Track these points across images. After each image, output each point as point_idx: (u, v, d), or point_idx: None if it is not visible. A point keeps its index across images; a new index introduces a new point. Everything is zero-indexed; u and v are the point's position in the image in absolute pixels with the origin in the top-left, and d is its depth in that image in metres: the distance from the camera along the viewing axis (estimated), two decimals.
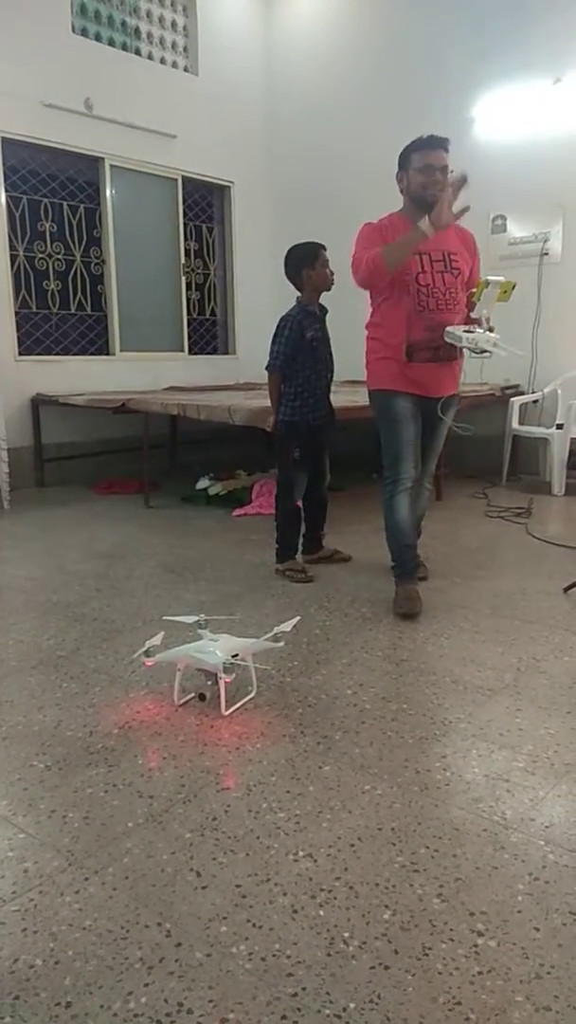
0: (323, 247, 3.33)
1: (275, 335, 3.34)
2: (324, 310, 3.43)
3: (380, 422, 3.08)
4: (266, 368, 3.41)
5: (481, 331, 2.78)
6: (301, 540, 3.59)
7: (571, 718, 2.14)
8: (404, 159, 2.89)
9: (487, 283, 2.75)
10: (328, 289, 3.35)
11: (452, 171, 2.82)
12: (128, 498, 5.41)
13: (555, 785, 1.81)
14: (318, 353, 3.37)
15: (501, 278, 2.77)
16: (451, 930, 1.37)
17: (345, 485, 5.00)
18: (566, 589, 3.20)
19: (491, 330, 2.80)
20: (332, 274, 3.33)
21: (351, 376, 5.53)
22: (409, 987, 1.25)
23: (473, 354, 2.84)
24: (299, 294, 3.38)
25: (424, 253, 2.85)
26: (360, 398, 4.79)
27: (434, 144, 2.83)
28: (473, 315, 2.85)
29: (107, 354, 6.35)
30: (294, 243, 3.38)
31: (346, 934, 1.36)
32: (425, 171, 2.81)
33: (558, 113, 5.48)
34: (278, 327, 3.34)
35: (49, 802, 1.77)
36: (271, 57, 7.20)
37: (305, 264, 3.29)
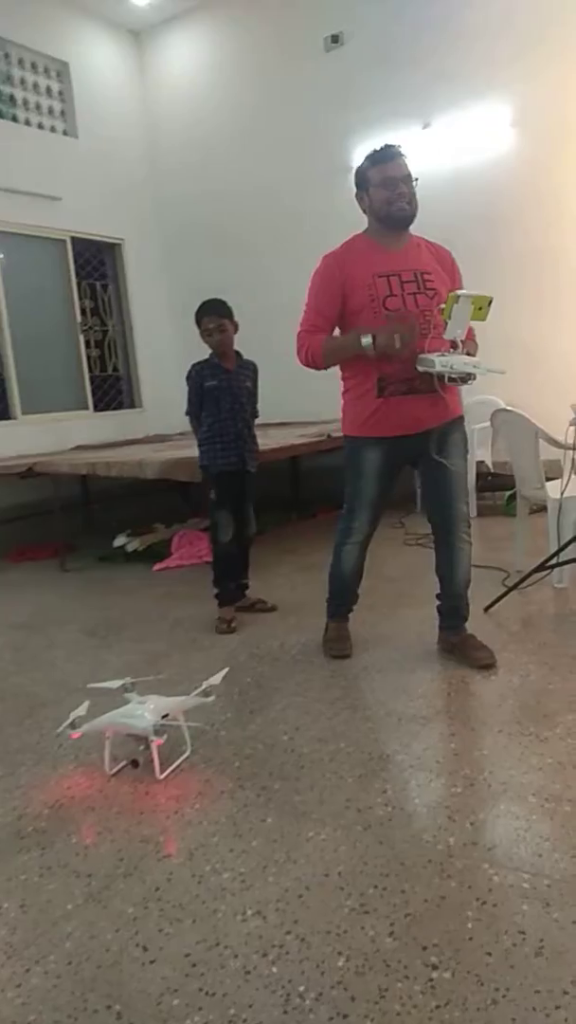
0: (206, 312, 3.35)
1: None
2: (245, 364, 3.50)
3: (346, 467, 2.81)
4: (184, 414, 3.59)
5: (455, 354, 2.45)
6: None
7: (502, 736, 2.19)
8: (361, 178, 2.61)
9: (457, 298, 2.37)
10: (222, 350, 3.40)
11: (416, 179, 2.58)
12: (43, 564, 5.26)
13: (493, 806, 1.85)
14: (222, 403, 3.42)
15: (474, 292, 2.40)
16: (405, 967, 1.36)
17: (267, 527, 5.02)
18: (486, 608, 3.28)
19: (469, 353, 2.50)
20: (221, 336, 3.35)
21: (280, 418, 5.60)
22: None
23: (452, 381, 2.48)
24: None
25: (393, 274, 2.55)
26: (271, 440, 4.88)
27: (389, 155, 2.55)
28: (446, 336, 2.44)
29: (8, 418, 6.22)
30: (192, 292, 3.51)
31: (301, 988, 1.34)
32: (386, 185, 2.54)
33: (431, 155, 5.79)
34: (186, 376, 3.50)
35: None
36: (149, 114, 7.36)
37: (198, 326, 3.41)
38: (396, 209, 2.56)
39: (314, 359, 2.65)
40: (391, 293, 2.54)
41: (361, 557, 2.91)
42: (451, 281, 2.65)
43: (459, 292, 2.39)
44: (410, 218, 2.61)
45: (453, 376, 2.44)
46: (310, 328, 2.66)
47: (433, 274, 2.59)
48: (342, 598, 3.01)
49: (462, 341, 2.48)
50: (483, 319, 2.43)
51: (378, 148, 2.59)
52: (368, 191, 2.60)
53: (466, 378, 2.46)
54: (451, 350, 2.45)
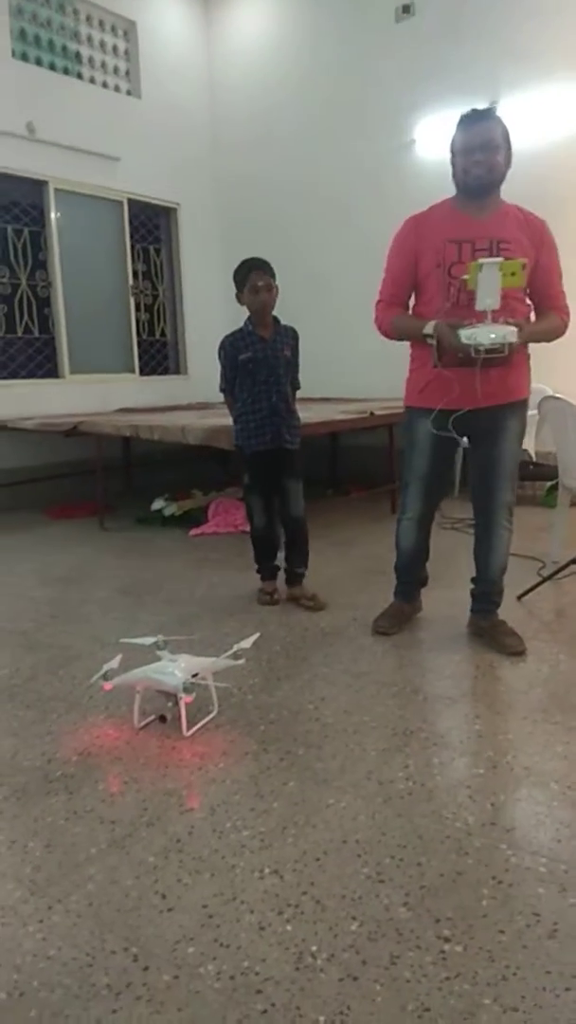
0: (255, 267, 3.09)
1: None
2: (282, 331, 3.21)
3: (403, 440, 2.83)
4: (219, 390, 3.41)
5: (480, 327, 2.33)
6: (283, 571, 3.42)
7: (527, 722, 2.18)
8: (451, 143, 2.55)
9: (480, 266, 2.28)
10: (264, 313, 3.14)
11: (500, 147, 2.47)
12: (83, 521, 5.35)
13: (515, 789, 1.85)
14: (257, 376, 3.16)
15: (500, 259, 2.32)
16: (418, 938, 1.38)
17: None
18: (519, 596, 3.26)
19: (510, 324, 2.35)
20: (267, 296, 3.10)
21: (321, 393, 5.54)
22: (378, 997, 1.25)
23: (485, 352, 2.35)
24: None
25: (467, 240, 2.48)
26: (313, 414, 4.87)
27: (474, 119, 2.48)
28: (477, 307, 2.34)
29: (56, 376, 6.30)
30: (254, 252, 3.21)
31: (314, 948, 1.36)
32: (465, 151, 2.48)
33: None
34: (218, 349, 3.30)
35: (9, 832, 1.73)
36: (213, 80, 7.30)
37: (238, 287, 3.16)
38: (472, 178, 2.50)
39: (387, 334, 2.66)
40: (459, 260, 2.47)
41: (419, 536, 2.89)
42: (535, 252, 2.52)
43: (482, 260, 2.30)
44: (488, 186, 2.52)
45: (479, 348, 2.33)
46: (386, 299, 2.66)
47: (512, 243, 2.48)
48: (402, 576, 3.01)
49: (492, 313, 2.34)
50: (520, 284, 2.36)
51: (468, 111, 2.52)
52: (453, 157, 2.55)
53: (493, 351, 2.34)
54: (481, 322, 2.35)
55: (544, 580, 3.28)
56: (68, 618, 3.26)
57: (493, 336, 2.29)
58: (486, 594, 2.84)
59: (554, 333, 2.59)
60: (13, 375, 6.03)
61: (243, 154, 7.16)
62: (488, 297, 2.30)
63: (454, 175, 2.56)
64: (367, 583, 3.57)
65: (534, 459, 5.47)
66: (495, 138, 2.47)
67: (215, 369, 3.35)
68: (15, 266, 5.99)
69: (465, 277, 2.35)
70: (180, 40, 7.06)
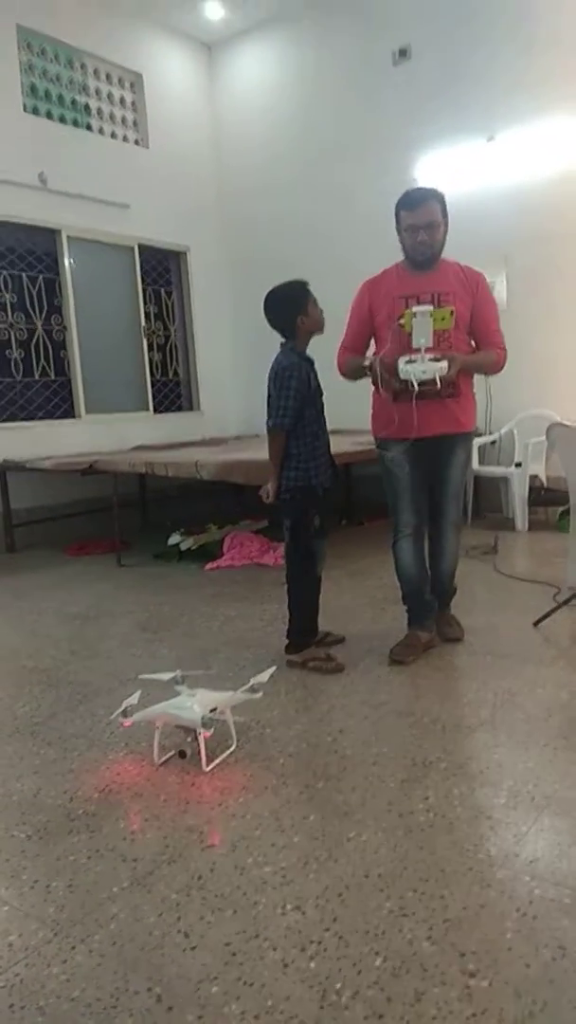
0: (308, 284, 2.94)
1: (280, 388, 2.84)
2: (310, 358, 3.00)
3: (380, 470, 3.06)
4: (272, 427, 2.88)
5: (414, 363, 2.68)
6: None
7: (548, 750, 2.17)
8: (396, 214, 2.86)
9: (414, 314, 2.67)
10: (322, 331, 2.95)
11: (439, 223, 2.80)
12: (100, 558, 5.40)
13: (536, 819, 1.83)
14: (318, 404, 2.95)
15: (429, 307, 2.69)
16: (442, 973, 1.37)
17: None
18: (536, 623, 3.25)
19: (438, 359, 2.68)
20: (323, 312, 2.95)
21: (333, 424, 5.61)
22: None
23: (419, 385, 2.69)
24: (283, 340, 2.95)
25: (412, 295, 2.82)
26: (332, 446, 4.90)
27: (417, 200, 2.81)
28: (413, 346, 2.70)
29: (73, 417, 6.40)
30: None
31: (338, 985, 1.35)
32: (409, 232, 2.82)
33: (494, 168, 5.77)
34: (281, 379, 2.84)
35: (32, 872, 1.74)
36: (218, 126, 7.49)
37: (297, 310, 2.87)
38: (417, 254, 2.85)
39: (343, 373, 3.04)
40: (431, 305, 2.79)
41: (417, 553, 3.04)
42: (471, 300, 2.88)
43: (415, 308, 2.70)
44: (431, 260, 2.86)
45: (413, 381, 2.69)
46: (346, 346, 3.05)
47: (451, 294, 2.83)
48: (411, 601, 3.10)
49: (425, 348, 2.70)
50: (449, 327, 2.75)
51: (410, 190, 2.88)
52: (399, 229, 2.88)
53: (425, 381, 2.68)
54: (417, 357, 2.70)
55: (560, 606, 3.26)
56: (87, 654, 3.28)
57: (423, 372, 2.67)
58: (443, 592, 3.21)
59: (493, 366, 2.97)
60: (31, 416, 6.14)
61: (248, 197, 7.33)
62: (422, 337, 2.68)
63: (402, 244, 2.89)
64: (382, 612, 3.57)
65: (545, 484, 5.48)
66: (436, 218, 2.82)
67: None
68: (31, 312, 6.14)
69: (401, 322, 2.73)
70: (185, 90, 7.28)
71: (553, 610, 3.26)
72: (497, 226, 5.76)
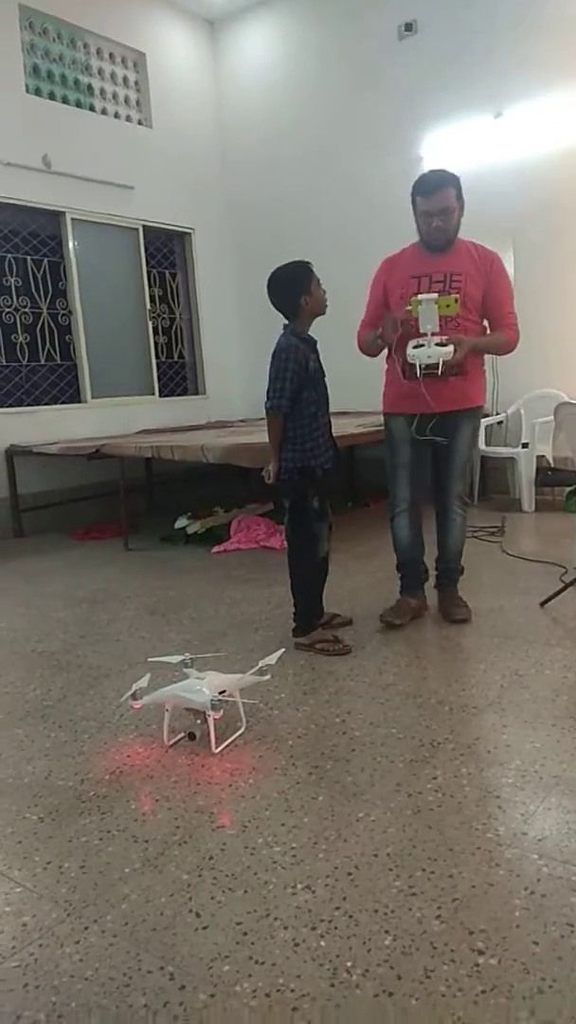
0: (311, 265, 2.91)
1: (277, 370, 2.82)
2: (314, 339, 2.97)
3: (384, 443, 3.20)
4: (269, 408, 2.86)
5: (423, 347, 2.80)
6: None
7: (555, 731, 2.17)
8: (412, 199, 2.92)
9: (420, 302, 2.75)
10: (324, 312, 2.94)
11: (454, 208, 2.86)
12: (107, 542, 5.41)
13: (544, 798, 1.84)
14: (319, 386, 2.92)
15: (434, 295, 2.77)
16: (452, 951, 1.38)
17: None
18: (542, 603, 3.25)
19: (443, 344, 2.78)
20: (325, 292, 2.93)
21: (338, 407, 5.63)
22: (414, 1012, 1.26)
23: (424, 368, 2.83)
24: (286, 322, 2.91)
25: (425, 275, 2.92)
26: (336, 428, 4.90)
27: (432, 187, 2.85)
28: (420, 331, 2.79)
29: (79, 402, 6.39)
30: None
31: (348, 963, 1.37)
32: (425, 216, 2.89)
33: (501, 145, 5.69)
34: (278, 361, 2.82)
35: (44, 854, 1.76)
36: (223, 104, 7.40)
37: (302, 290, 2.84)
38: (432, 239, 2.93)
39: (361, 348, 3.12)
40: (418, 291, 2.88)
41: (413, 527, 3.18)
42: (485, 282, 2.94)
43: (421, 296, 2.77)
44: (446, 244, 2.93)
45: (422, 364, 2.81)
46: (365, 322, 3.11)
47: (464, 275, 2.90)
48: (405, 570, 3.26)
49: (432, 333, 2.79)
50: (454, 313, 2.82)
51: (426, 174, 2.92)
52: (414, 213, 2.94)
53: (431, 364, 2.80)
54: (425, 341, 2.80)
55: (567, 586, 3.26)
56: (96, 638, 3.30)
57: (429, 356, 2.79)
58: (446, 571, 3.26)
59: (505, 346, 3.02)
60: (37, 401, 6.13)
61: (253, 176, 7.26)
62: (428, 323, 2.77)
63: (417, 228, 2.96)
64: (389, 594, 3.56)
65: (552, 465, 5.45)
66: (451, 204, 2.87)
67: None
68: (36, 295, 6.11)
69: (408, 308, 2.82)
70: (188, 68, 7.19)
71: (560, 591, 3.26)
72: (504, 203, 5.69)
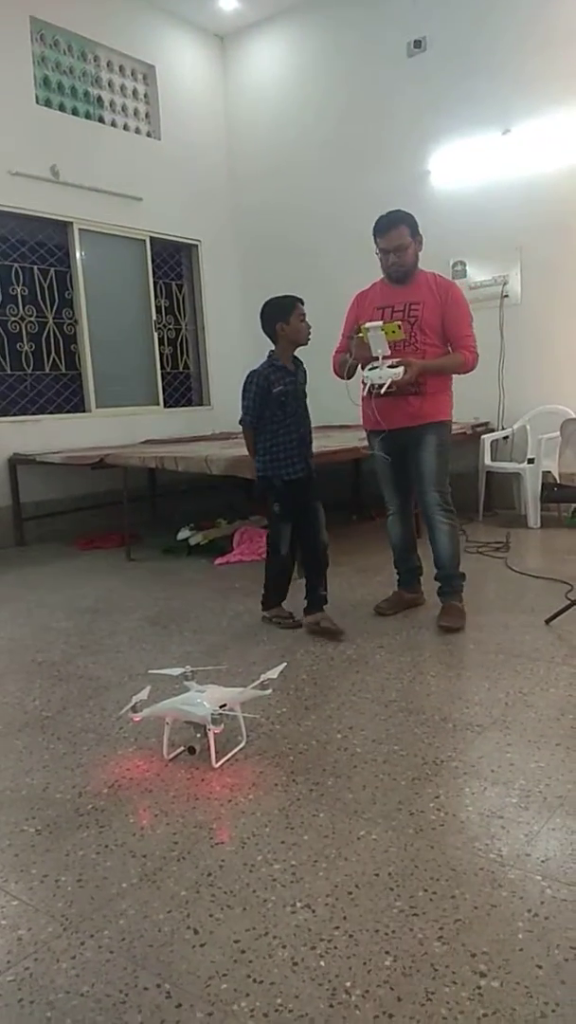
0: (300, 300, 3.29)
1: (243, 390, 3.31)
2: (298, 363, 3.37)
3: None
4: (239, 422, 3.42)
5: (376, 369, 3.07)
6: (304, 600, 3.41)
7: (560, 750, 2.15)
8: (373, 239, 3.22)
9: (367, 330, 3.03)
10: (304, 343, 3.30)
11: (408, 244, 3.15)
12: (109, 552, 5.40)
13: (549, 819, 1.82)
14: (287, 408, 3.28)
15: (379, 323, 3.05)
16: (453, 973, 1.36)
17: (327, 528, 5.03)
18: (548, 620, 3.23)
19: (395, 366, 3.05)
20: (309, 328, 3.28)
21: (340, 421, 5.64)
22: None
23: (378, 388, 3.08)
24: (273, 348, 3.33)
25: (388, 306, 3.23)
26: (333, 442, 4.90)
27: (384, 227, 3.17)
28: (373, 355, 3.07)
29: (83, 411, 6.40)
30: (265, 295, 3.32)
31: (348, 983, 1.35)
32: (382, 254, 3.21)
33: (509, 161, 5.72)
34: (245, 383, 3.30)
35: (41, 867, 1.74)
36: (231, 118, 7.46)
37: (279, 318, 3.25)
38: (391, 273, 3.25)
39: (335, 372, 3.35)
40: (383, 320, 3.12)
41: (404, 529, 3.50)
42: (442, 308, 3.20)
43: (368, 324, 3.05)
44: (405, 276, 3.22)
45: (374, 383, 3.07)
46: (337, 349, 3.37)
47: (421, 304, 3.18)
48: (399, 566, 3.59)
49: (383, 356, 3.07)
50: (400, 338, 3.09)
51: (381, 216, 3.19)
52: (377, 251, 3.23)
53: (380, 385, 3.06)
54: (378, 364, 3.07)
55: (572, 604, 3.24)
56: (97, 649, 3.28)
57: (380, 377, 3.05)
58: (445, 578, 3.37)
59: (461, 367, 3.22)
60: (41, 410, 6.14)
61: (260, 190, 7.30)
62: (378, 348, 3.05)
63: (380, 263, 3.26)
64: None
65: (558, 481, 5.44)
66: (404, 241, 3.16)
67: (237, 400, 3.39)
68: (42, 305, 6.13)
69: (359, 335, 3.08)
70: (197, 81, 7.25)
71: (565, 608, 3.24)
72: (512, 219, 5.72)
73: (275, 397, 3.25)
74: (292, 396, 3.30)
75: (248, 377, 3.30)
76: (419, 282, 3.24)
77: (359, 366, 3.21)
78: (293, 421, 3.32)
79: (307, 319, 3.30)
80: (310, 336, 3.30)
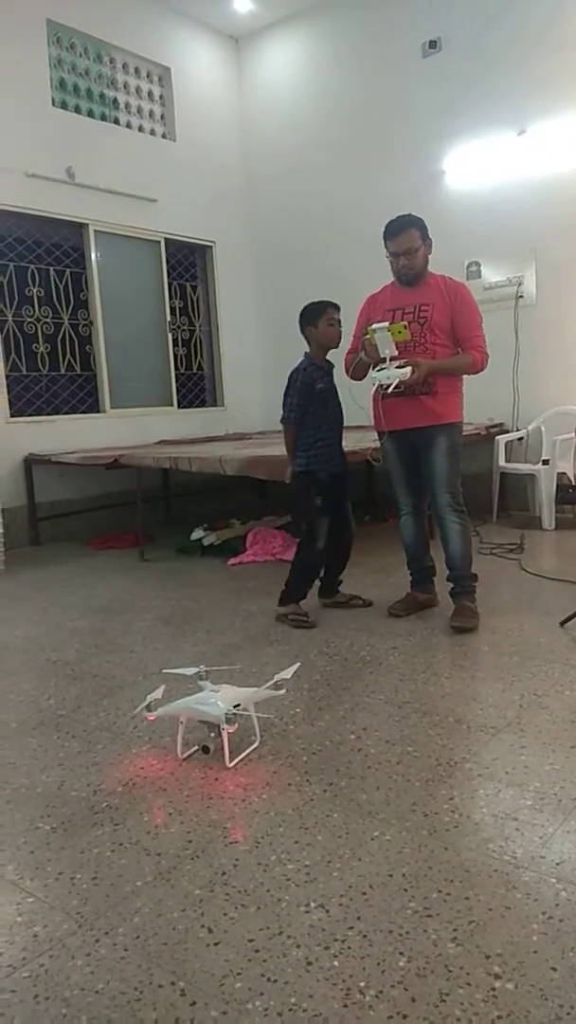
0: (332, 306, 3.39)
1: (287, 388, 3.41)
2: (331, 365, 3.48)
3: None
4: (281, 420, 3.47)
5: (385, 369, 3.10)
6: (319, 583, 3.62)
7: (575, 752, 2.14)
8: (384, 245, 3.26)
9: (374, 331, 3.08)
10: (333, 346, 3.42)
11: (418, 248, 3.19)
12: (123, 552, 5.43)
13: (564, 821, 1.81)
14: (329, 405, 3.42)
15: (386, 324, 3.09)
16: (467, 974, 1.35)
17: None
18: (563, 623, 3.21)
19: (403, 367, 3.08)
20: (339, 333, 3.39)
21: (356, 421, 5.69)
22: None
23: (386, 388, 3.12)
24: (307, 349, 3.47)
25: (399, 308, 3.26)
26: (348, 443, 4.89)
27: (394, 230, 3.21)
28: (380, 355, 3.12)
29: (98, 411, 6.44)
30: (279, 296, 3.47)
31: (362, 984, 1.35)
32: (392, 258, 3.26)
33: (524, 162, 5.69)
34: (289, 380, 3.41)
35: (56, 864, 1.75)
36: (246, 121, 7.48)
37: (308, 322, 3.40)
38: (401, 275, 3.29)
39: (347, 372, 3.40)
40: (392, 322, 3.14)
41: (416, 529, 3.51)
42: (451, 309, 3.23)
43: (373, 325, 3.10)
44: (415, 279, 3.26)
45: (384, 385, 3.10)
46: (348, 351, 3.40)
47: (431, 306, 3.22)
48: (412, 567, 3.59)
49: (391, 357, 3.10)
50: (406, 338, 3.10)
51: (391, 220, 3.23)
52: (387, 253, 3.27)
53: (388, 385, 3.09)
54: (386, 365, 3.10)
55: None
56: (111, 648, 3.30)
57: (388, 377, 3.08)
58: (457, 579, 3.36)
59: (470, 367, 3.24)
60: (56, 411, 6.18)
61: (275, 191, 7.31)
62: (385, 349, 3.09)
63: (390, 265, 3.30)
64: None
65: (573, 482, 5.41)
66: (414, 244, 3.19)
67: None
68: (58, 306, 6.17)
69: (366, 337, 3.14)
70: (212, 83, 7.28)
71: None
72: (527, 220, 5.70)
73: (318, 394, 3.38)
74: (332, 394, 3.44)
75: (292, 375, 3.41)
76: (429, 284, 3.28)
77: (369, 367, 3.24)
78: (334, 419, 3.45)
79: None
80: (339, 340, 3.41)
